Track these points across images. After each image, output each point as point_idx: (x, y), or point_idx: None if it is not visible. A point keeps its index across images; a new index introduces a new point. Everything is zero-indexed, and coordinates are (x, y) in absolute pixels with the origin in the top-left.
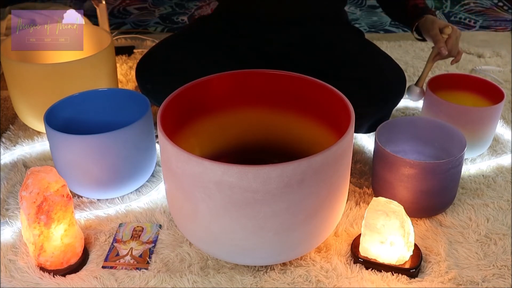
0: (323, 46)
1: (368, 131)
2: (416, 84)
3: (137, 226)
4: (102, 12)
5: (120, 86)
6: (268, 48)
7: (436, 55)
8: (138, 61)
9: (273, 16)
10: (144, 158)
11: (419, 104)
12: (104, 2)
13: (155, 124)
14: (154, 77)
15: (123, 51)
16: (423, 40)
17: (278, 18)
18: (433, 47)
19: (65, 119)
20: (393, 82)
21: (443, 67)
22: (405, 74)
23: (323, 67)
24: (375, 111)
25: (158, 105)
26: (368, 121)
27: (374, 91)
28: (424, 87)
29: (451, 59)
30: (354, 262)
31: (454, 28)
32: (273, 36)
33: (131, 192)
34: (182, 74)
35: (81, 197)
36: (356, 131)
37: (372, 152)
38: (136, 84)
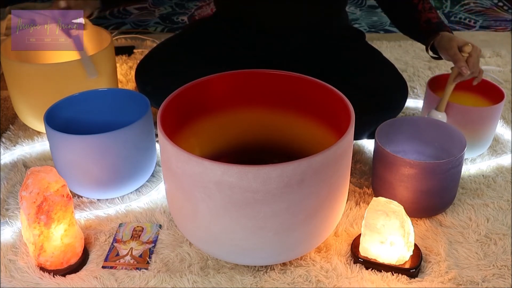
0: (323, 54)
1: (369, 137)
2: (437, 108)
3: (137, 226)
4: (77, 41)
5: (120, 86)
6: (268, 55)
7: (457, 76)
8: (137, 63)
9: (271, 24)
10: (144, 158)
11: (419, 104)
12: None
13: (155, 123)
14: (154, 79)
15: (123, 51)
16: (439, 58)
17: (276, 26)
18: (452, 68)
19: (65, 119)
20: (394, 90)
21: (443, 67)
22: (405, 74)
23: (324, 74)
24: (375, 119)
25: (158, 107)
26: (369, 128)
27: (374, 99)
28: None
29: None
30: (354, 262)
31: (474, 45)
32: (272, 44)
33: (131, 192)
34: (182, 77)
35: (81, 197)
36: (357, 138)
37: (372, 152)
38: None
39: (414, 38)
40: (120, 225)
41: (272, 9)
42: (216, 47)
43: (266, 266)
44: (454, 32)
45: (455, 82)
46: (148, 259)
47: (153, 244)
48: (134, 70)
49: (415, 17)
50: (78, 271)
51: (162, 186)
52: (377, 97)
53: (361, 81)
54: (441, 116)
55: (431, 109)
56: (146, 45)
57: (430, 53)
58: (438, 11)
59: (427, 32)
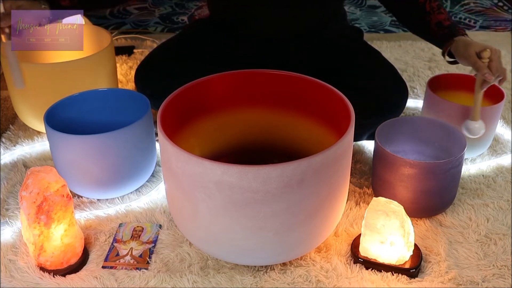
0: (322, 55)
1: (368, 139)
2: (471, 118)
3: (137, 226)
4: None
5: (120, 86)
6: (266, 57)
7: (483, 83)
8: (137, 66)
9: (267, 30)
10: (144, 158)
11: (419, 104)
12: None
13: (155, 122)
14: (153, 83)
15: (123, 51)
16: (456, 62)
17: (272, 31)
18: (475, 75)
19: (65, 119)
20: (393, 93)
21: (443, 67)
22: (405, 74)
23: (324, 76)
24: (375, 122)
25: (157, 109)
26: (369, 130)
27: (375, 103)
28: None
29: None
30: (354, 262)
31: (493, 48)
32: (270, 47)
33: (131, 192)
34: (181, 80)
35: (81, 197)
36: (356, 139)
37: (372, 152)
38: None
39: (426, 40)
40: (120, 225)
41: (267, 15)
42: (215, 48)
43: (266, 266)
44: None
45: (482, 89)
46: (148, 259)
47: (153, 244)
48: (134, 71)
49: (424, 19)
50: (78, 271)
51: (162, 186)
52: (376, 100)
53: (360, 84)
54: (478, 126)
55: (465, 120)
56: (146, 45)
57: (447, 58)
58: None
59: (440, 37)
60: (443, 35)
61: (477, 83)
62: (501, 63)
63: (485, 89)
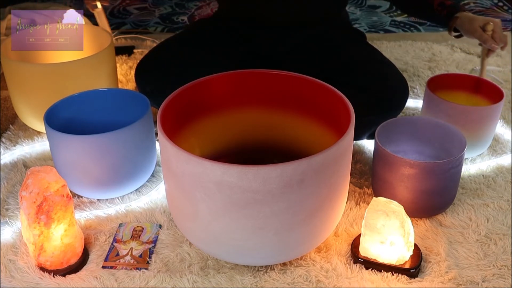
0: (325, 52)
1: (368, 138)
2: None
3: (137, 226)
4: (100, 16)
5: (120, 86)
6: (269, 53)
7: (488, 51)
8: (137, 63)
9: (273, 21)
10: (144, 158)
11: (419, 104)
12: (100, 7)
13: (155, 122)
14: (154, 79)
15: (123, 51)
16: (461, 36)
17: (278, 22)
18: (480, 44)
19: (65, 119)
20: (396, 91)
21: (443, 67)
22: (405, 74)
23: (325, 74)
24: (376, 120)
25: (157, 107)
26: (369, 129)
27: (376, 101)
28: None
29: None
30: (354, 262)
31: (494, 21)
32: (274, 41)
33: (131, 192)
34: (181, 77)
35: (81, 197)
36: (357, 138)
37: (372, 152)
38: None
39: (431, 22)
40: (120, 225)
41: (274, 4)
42: (216, 47)
43: (266, 266)
44: None
45: (488, 56)
46: (148, 259)
47: (153, 244)
48: (134, 70)
49: (427, 2)
50: (78, 271)
51: (162, 186)
52: (378, 98)
53: (362, 82)
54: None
55: None
56: (146, 45)
57: (453, 33)
58: None
59: (445, 16)
60: (448, 14)
61: (482, 51)
62: (503, 33)
63: (490, 55)
